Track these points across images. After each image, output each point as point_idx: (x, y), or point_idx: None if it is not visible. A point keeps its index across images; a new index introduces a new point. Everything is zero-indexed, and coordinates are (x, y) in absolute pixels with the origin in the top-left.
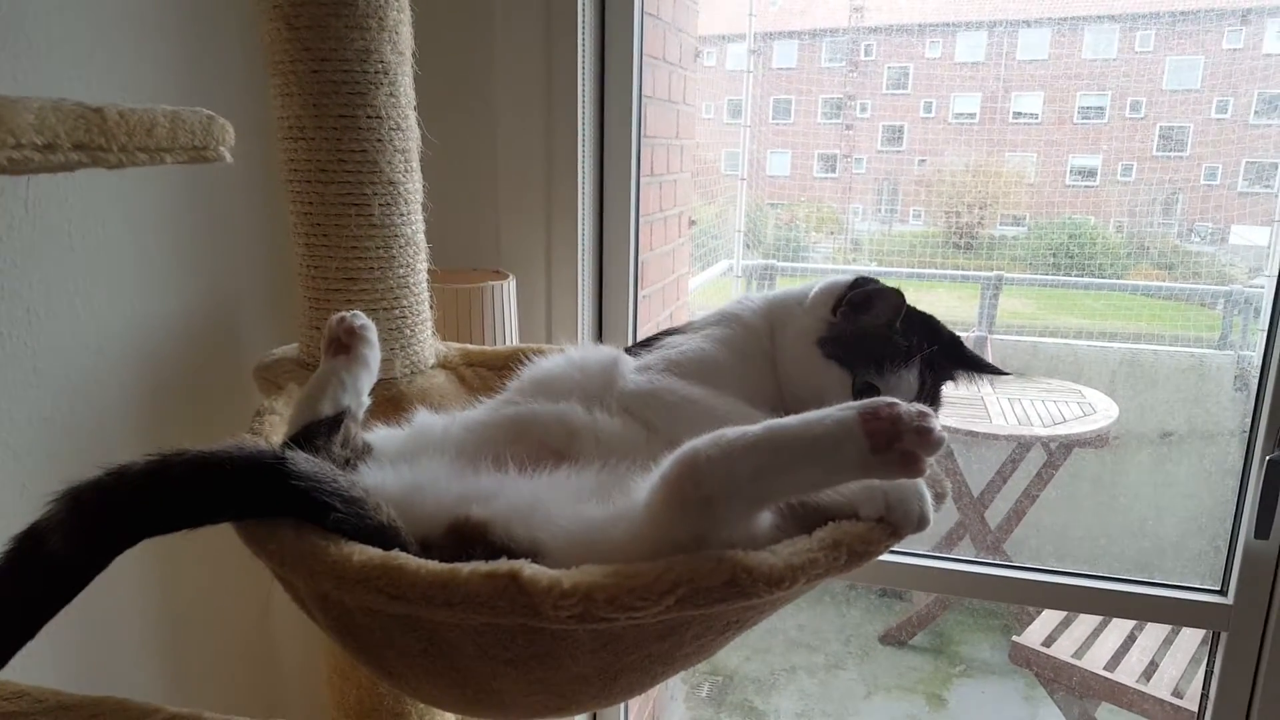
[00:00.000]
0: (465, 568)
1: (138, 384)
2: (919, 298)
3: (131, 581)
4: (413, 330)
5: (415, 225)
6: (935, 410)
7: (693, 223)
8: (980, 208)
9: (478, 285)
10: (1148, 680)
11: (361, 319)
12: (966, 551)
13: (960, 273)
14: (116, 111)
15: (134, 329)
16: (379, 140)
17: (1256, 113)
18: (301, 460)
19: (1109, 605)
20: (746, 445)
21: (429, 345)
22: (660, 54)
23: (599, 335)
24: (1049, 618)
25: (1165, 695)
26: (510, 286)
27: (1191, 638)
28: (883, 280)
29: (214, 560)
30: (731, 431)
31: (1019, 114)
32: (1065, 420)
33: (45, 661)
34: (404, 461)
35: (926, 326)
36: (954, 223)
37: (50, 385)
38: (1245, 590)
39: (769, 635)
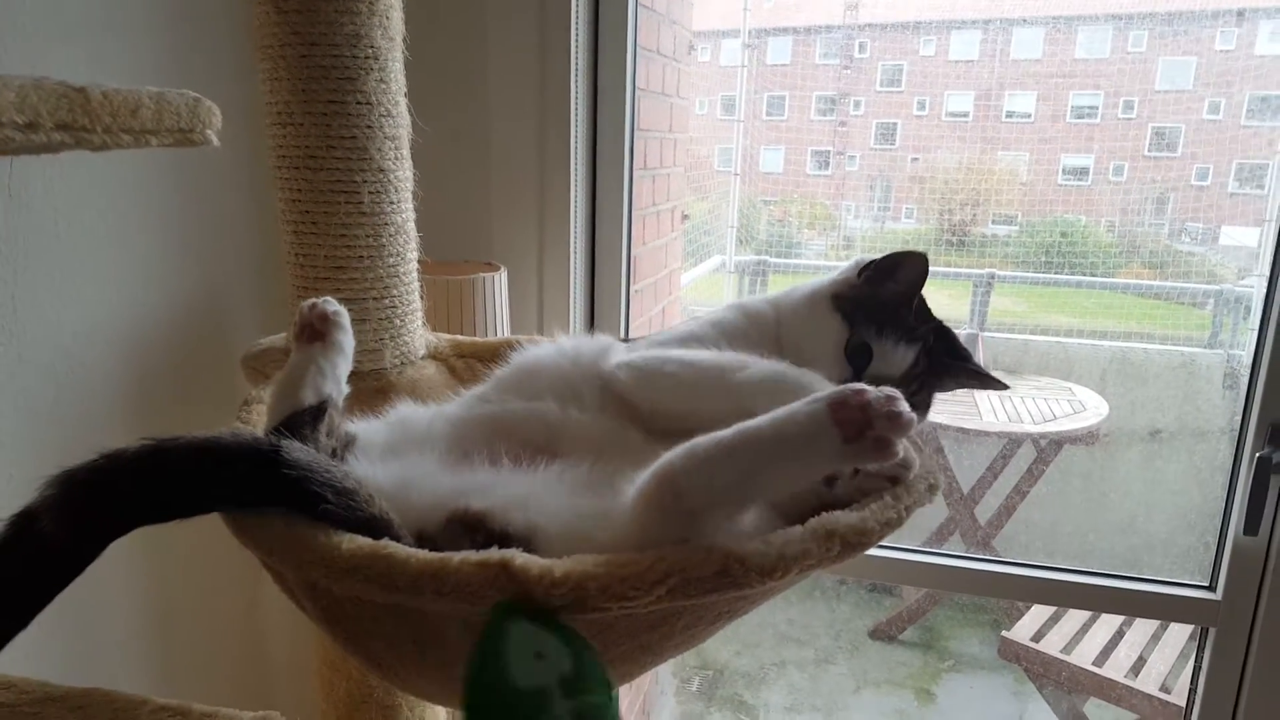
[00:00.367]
0: (455, 557)
1: (124, 373)
2: None
3: (119, 572)
4: (403, 320)
5: (405, 213)
6: (923, 412)
7: (685, 217)
8: (972, 206)
9: (469, 277)
10: (1136, 675)
11: (334, 304)
12: (956, 547)
13: (952, 270)
14: (100, 92)
15: (120, 317)
16: (369, 126)
17: (1248, 114)
18: (296, 449)
19: (1099, 601)
20: (720, 454)
21: (419, 336)
22: (654, 46)
23: (590, 329)
24: (1038, 613)
25: (1153, 690)
26: (501, 279)
27: (1179, 633)
28: None
29: (202, 552)
30: (703, 441)
31: (1012, 113)
32: (1055, 417)
33: (32, 652)
34: (393, 454)
35: (941, 327)
36: (946, 221)
37: (35, 374)
38: (1234, 586)
39: (759, 629)
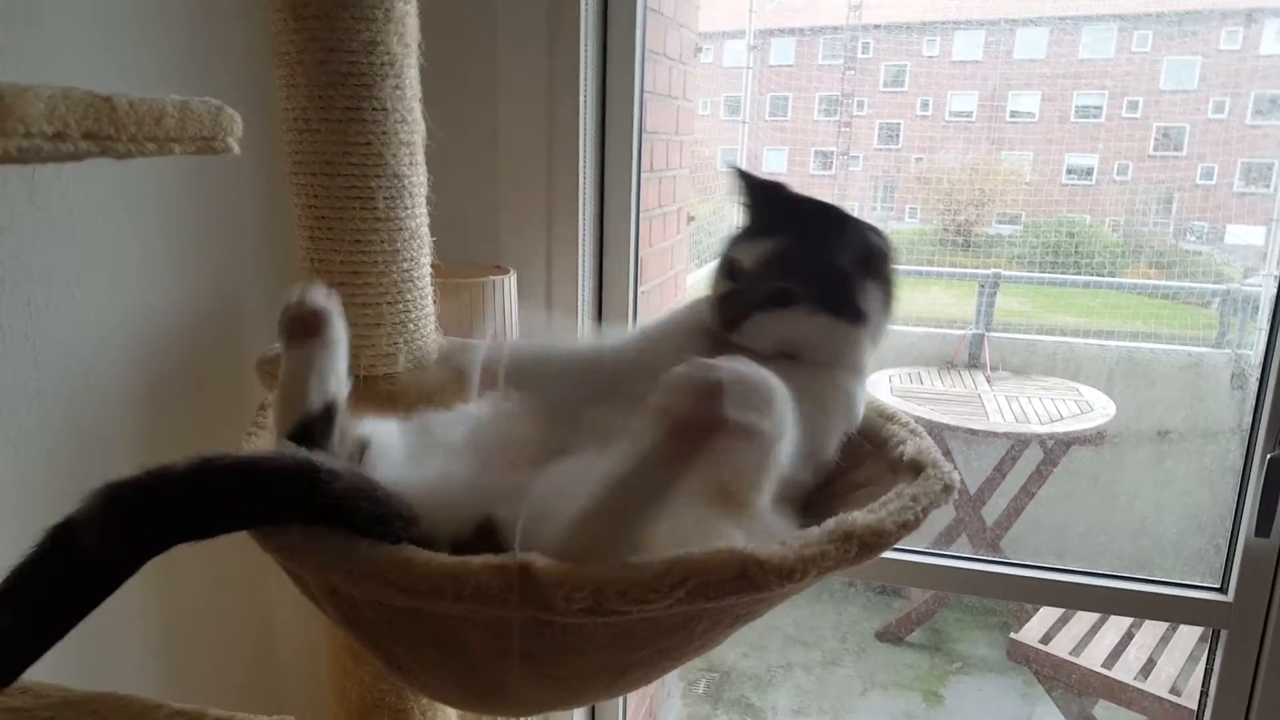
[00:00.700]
0: (475, 560)
1: (139, 377)
2: (916, 294)
3: (133, 578)
4: (417, 325)
5: (420, 219)
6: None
7: (691, 219)
8: (976, 206)
9: (479, 280)
10: (1145, 678)
11: (321, 294)
12: (963, 548)
13: (958, 271)
14: (126, 101)
15: (135, 321)
16: (384, 133)
17: (1254, 113)
18: (343, 470)
19: (1109, 602)
20: (587, 523)
21: (433, 340)
22: (661, 49)
23: (599, 329)
24: (1047, 615)
25: (1163, 693)
26: (511, 281)
27: (1189, 635)
28: None
29: (215, 556)
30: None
31: (1016, 113)
32: (1062, 418)
33: (47, 657)
34: (416, 459)
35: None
36: (950, 221)
37: (50, 378)
38: (1245, 588)
39: (766, 632)
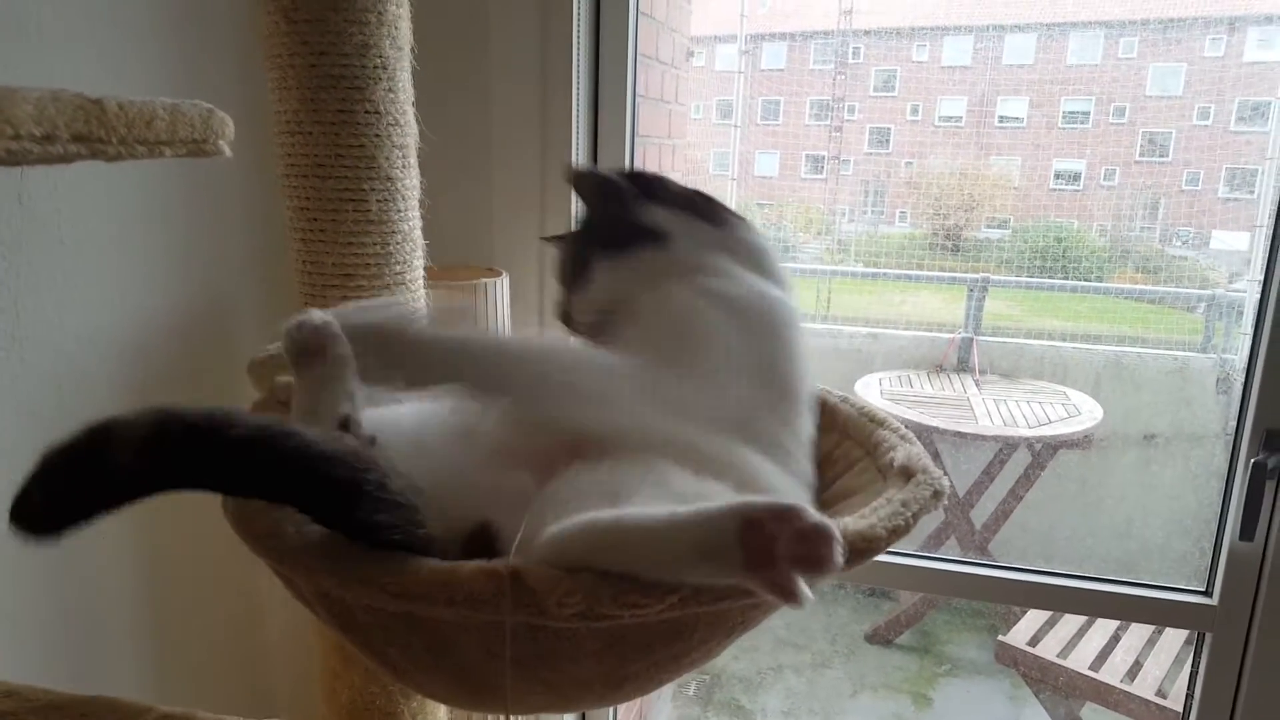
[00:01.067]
0: (467, 566)
1: (127, 379)
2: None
3: (122, 579)
4: None
5: (412, 221)
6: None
7: None
8: (965, 210)
9: (471, 282)
10: (1132, 680)
11: (318, 315)
12: (952, 551)
13: (947, 275)
14: (116, 103)
15: (124, 323)
16: (377, 136)
17: (1238, 119)
18: (382, 470)
19: (1095, 605)
20: (610, 540)
21: None
22: (653, 53)
23: None
24: (1034, 617)
25: (1149, 695)
26: (503, 284)
27: (1175, 638)
28: (870, 282)
29: (205, 559)
30: (602, 520)
31: (1004, 118)
32: (1050, 421)
33: (35, 661)
34: (419, 456)
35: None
36: (939, 225)
37: (37, 378)
38: (1230, 592)
39: (756, 634)
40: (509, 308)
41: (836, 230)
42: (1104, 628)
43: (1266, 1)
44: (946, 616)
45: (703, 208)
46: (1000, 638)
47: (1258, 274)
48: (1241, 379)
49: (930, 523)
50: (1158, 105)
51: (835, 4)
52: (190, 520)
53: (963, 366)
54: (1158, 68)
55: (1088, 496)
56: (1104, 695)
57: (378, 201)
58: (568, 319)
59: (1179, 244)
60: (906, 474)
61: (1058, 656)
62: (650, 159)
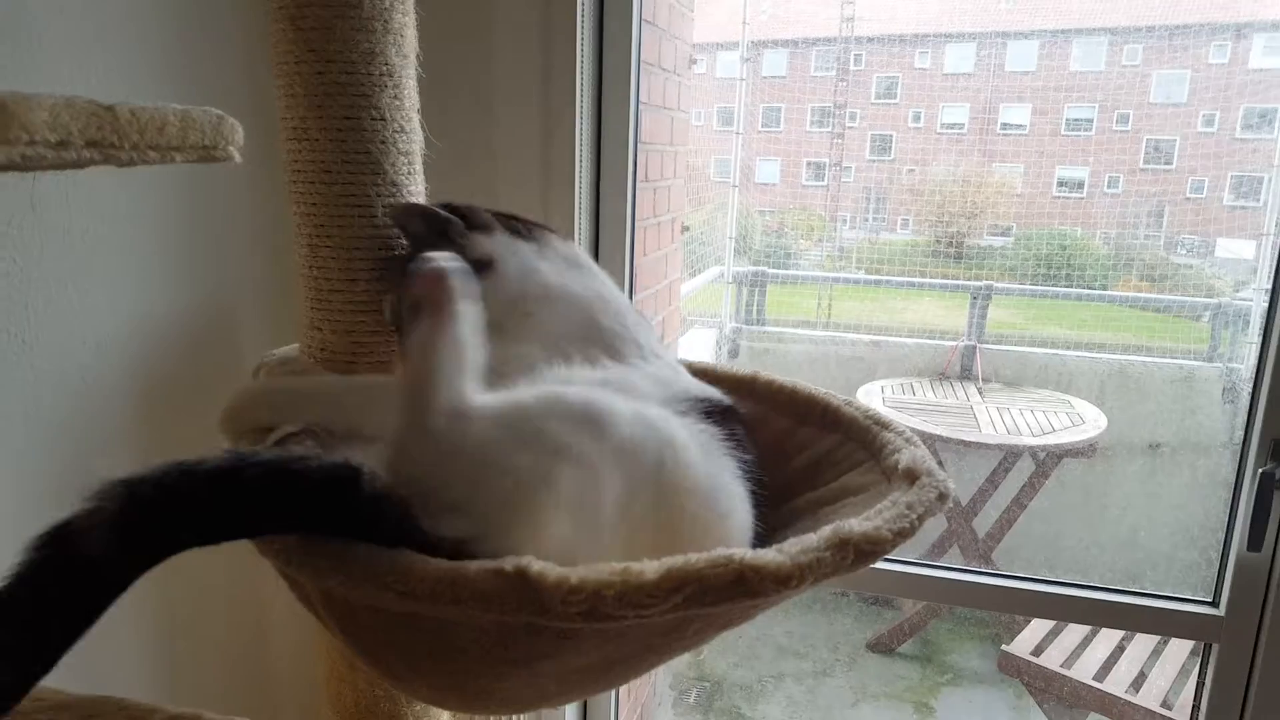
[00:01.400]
0: (473, 565)
1: (136, 383)
2: (907, 305)
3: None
4: None
5: None
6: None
7: (685, 229)
8: (967, 218)
9: None
10: (1137, 691)
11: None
12: (955, 560)
13: (949, 282)
14: (128, 110)
15: (133, 328)
16: (383, 142)
17: (1243, 127)
18: (369, 474)
19: (1101, 615)
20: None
21: None
22: (656, 60)
23: None
24: (1038, 627)
25: (1154, 706)
26: None
27: (1180, 649)
28: (871, 289)
29: (210, 560)
30: None
31: (1007, 125)
32: (1054, 430)
33: None
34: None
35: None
36: (942, 232)
37: (47, 383)
38: (1237, 602)
39: (757, 642)
40: None
41: (838, 237)
42: (1108, 638)
43: (1274, 8)
44: (949, 625)
45: (519, 228)
46: (1004, 647)
47: (1264, 282)
48: (1248, 388)
49: (933, 531)
50: (1162, 112)
51: (837, 11)
52: None
53: (966, 374)
54: (1162, 75)
55: (1092, 506)
56: (1108, 706)
57: (383, 208)
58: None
59: (1184, 252)
60: (911, 476)
61: (1061, 666)
62: (652, 166)
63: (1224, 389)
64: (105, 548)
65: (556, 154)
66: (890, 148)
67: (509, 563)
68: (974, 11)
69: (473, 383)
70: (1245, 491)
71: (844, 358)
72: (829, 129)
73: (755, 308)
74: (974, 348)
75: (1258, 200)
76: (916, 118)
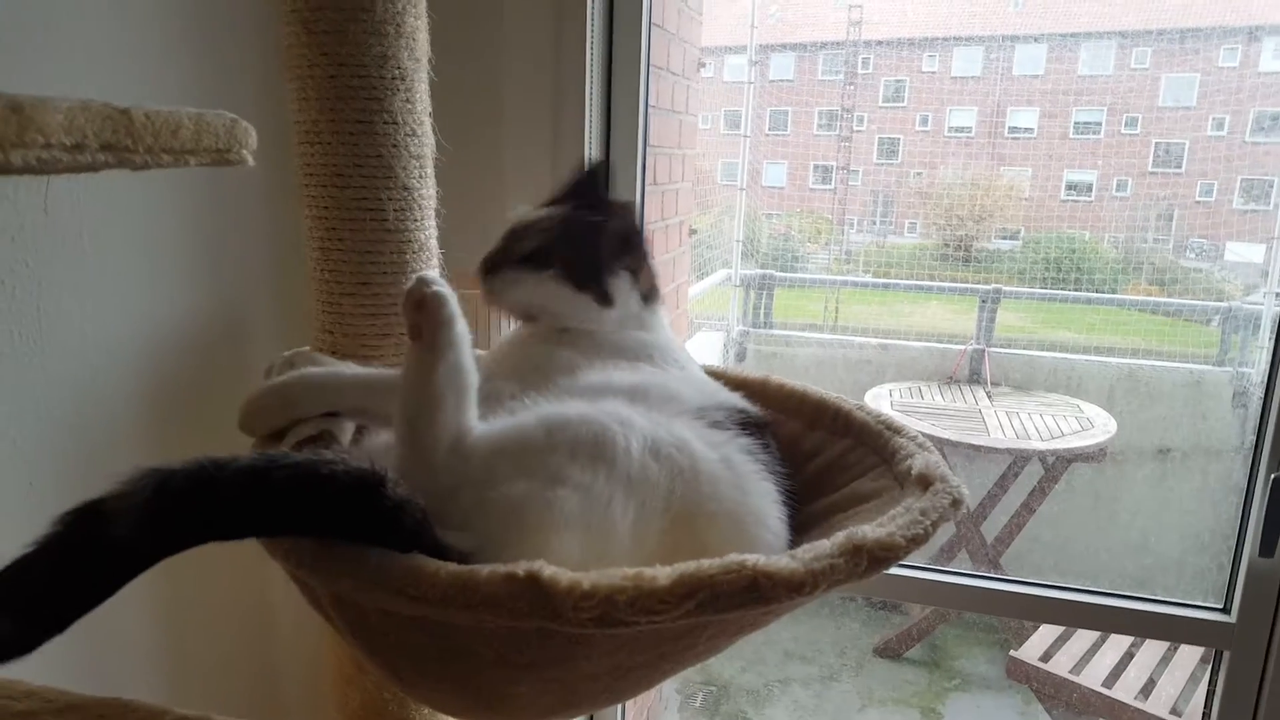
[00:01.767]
0: (484, 569)
1: (147, 385)
2: (915, 309)
3: (136, 582)
4: None
5: (429, 231)
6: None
7: (693, 231)
8: (976, 221)
9: None
10: (1146, 698)
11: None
12: (963, 565)
13: (958, 285)
14: (143, 113)
15: (145, 330)
16: (395, 146)
17: (1253, 130)
18: (392, 481)
19: (1111, 621)
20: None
21: None
22: (665, 64)
23: None
24: (1047, 633)
25: (1164, 713)
26: None
27: (1190, 655)
28: (879, 293)
29: (219, 563)
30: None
31: (1015, 128)
32: (1063, 434)
33: (50, 661)
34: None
35: None
36: (950, 236)
37: (58, 385)
38: (1249, 609)
39: (764, 646)
40: None
41: (845, 240)
42: (1117, 644)
43: None
44: (957, 631)
45: (639, 293)
46: (1012, 653)
47: (1275, 286)
48: (1258, 393)
49: (941, 536)
50: (1171, 116)
51: (844, 14)
52: None
53: (974, 378)
54: (1171, 78)
55: (1101, 511)
56: (1117, 713)
57: (395, 211)
58: (489, 268)
59: (1193, 256)
60: (925, 482)
61: (1070, 673)
62: (660, 169)
63: (1234, 393)
64: (131, 531)
65: (565, 157)
66: (898, 151)
67: (521, 567)
68: (982, 15)
69: (471, 411)
70: (1257, 497)
71: (852, 361)
72: (836, 132)
73: (763, 311)
74: (982, 351)
75: (1268, 204)
76: (924, 121)
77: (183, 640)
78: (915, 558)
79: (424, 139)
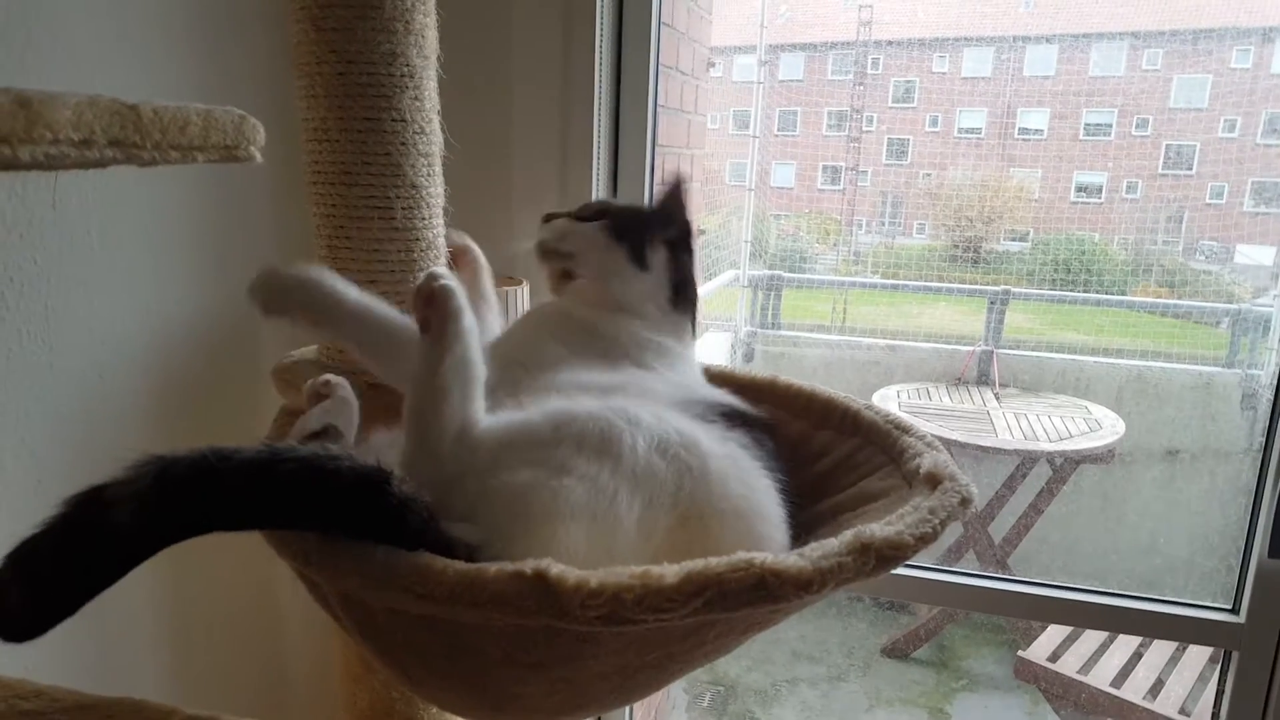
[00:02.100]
0: (492, 567)
1: (155, 382)
2: (923, 310)
3: (144, 582)
4: None
5: (436, 229)
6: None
7: (701, 232)
8: (985, 223)
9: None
10: (1154, 698)
11: (332, 379)
12: (971, 565)
13: (966, 287)
14: (151, 109)
15: (152, 328)
16: (403, 144)
17: (1264, 132)
18: (398, 478)
19: (1119, 621)
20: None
21: None
22: (674, 63)
23: None
24: (1055, 633)
25: (1172, 713)
26: (524, 292)
27: (1198, 655)
28: (887, 294)
29: (226, 561)
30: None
31: (1025, 129)
32: (1072, 436)
33: (57, 661)
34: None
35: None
36: (959, 237)
37: (67, 382)
38: (1258, 609)
39: (771, 646)
40: None
41: (854, 241)
42: (1126, 645)
43: None
44: (965, 631)
45: (681, 285)
46: (1020, 653)
47: None
48: (1267, 395)
49: (949, 536)
50: (1183, 117)
51: (854, 14)
52: None
53: (983, 379)
54: (1182, 79)
55: (1110, 512)
56: (1126, 713)
57: (403, 209)
58: (550, 218)
59: (1202, 258)
60: (933, 481)
61: (1078, 673)
62: (669, 169)
63: (1243, 395)
64: (131, 518)
65: (574, 155)
66: (907, 152)
67: (528, 565)
68: (992, 15)
69: (478, 403)
70: (1266, 498)
71: (860, 362)
72: (845, 133)
73: (770, 311)
74: (991, 353)
75: (1278, 206)
76: (934, 122)
77: (191, 640)
78: (923, 558)
79: (432, 137)
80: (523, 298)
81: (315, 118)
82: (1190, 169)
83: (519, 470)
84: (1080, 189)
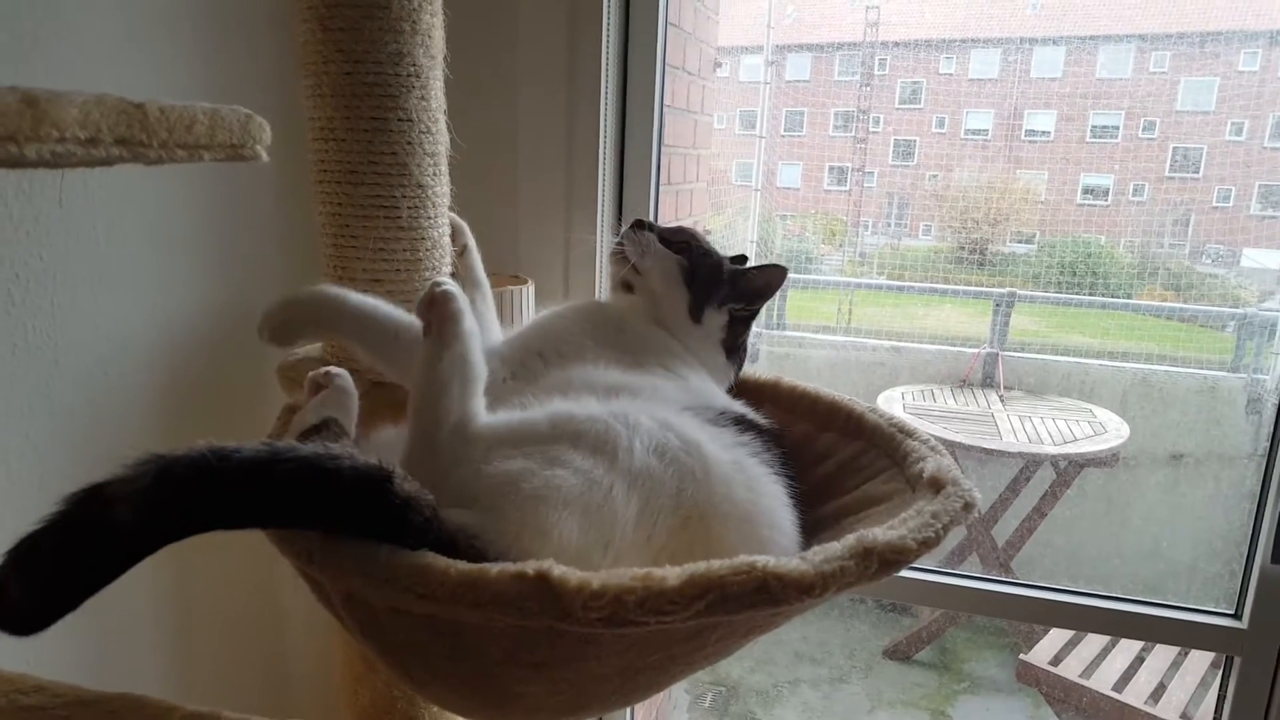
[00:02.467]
0: (494, 567)
1: (160, 380)
2: (929, 312)
3: (146, 579)
4: None
5: (442, 228)
6: None
7: (707, 232)
8: (991, 224)
9: (497, 290)
10: (1156, 702)
11: (332, 370)
12: (974, 568)
13: (972, 289)
14: (157, 108)
15: (158, 326)
16: (409, 143)
17: (1272, 135)
18: (400, 477)
19: (1122, 626)
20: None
21: None
22: (680, 63)
23: None
24: (1057, 636)
25: (1174, 718)
26: (529, 292)
27: (1200, 660)
28: (892, 295)
29: (228, 559)
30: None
31: (1032, 131)
32: (1076, 439)
33: (60, 657)
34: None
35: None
36: (965, 239)
37: (72, 380)
38: (1260, 615)
39: (773, 647)
40: (534, 315)
41: (859, 242)
42: (1128, 649)
43: None
44: (967, 634)
45: (733, 344)
46: (1022, 656)
47: None
48: (1273, 400)
49: (952, 539)
50: (1190, 120)
51: (861, 15)
52: None
53: (987, 382)
54: (1189, 82)
55: (1114, 515)
56: (1127, 717)
57: (409, 209)
58: (640, 225)
59: (1209, 261)
60: (936, 485)
61: (1080, 677)
62: (675, 169)
63: (1248, 400)
64: (131, 516)
65: (580, 156)
66: (913, 153)
67: (530, 566)
68: (1000, 17)
69: (477, 400)
70: (1270, 503)
71: (865, 363)
72: (852, 134)
73: (775, 312)
74: (996, 355)
75: None
76: (940, 123)
77: (192, 637)
78: (926, 561)
79: (438, 136)
80: (527, 297)
81: (322, 117)
82: (1197, 172)
83: (513, 459)
84: (1087, 191)
